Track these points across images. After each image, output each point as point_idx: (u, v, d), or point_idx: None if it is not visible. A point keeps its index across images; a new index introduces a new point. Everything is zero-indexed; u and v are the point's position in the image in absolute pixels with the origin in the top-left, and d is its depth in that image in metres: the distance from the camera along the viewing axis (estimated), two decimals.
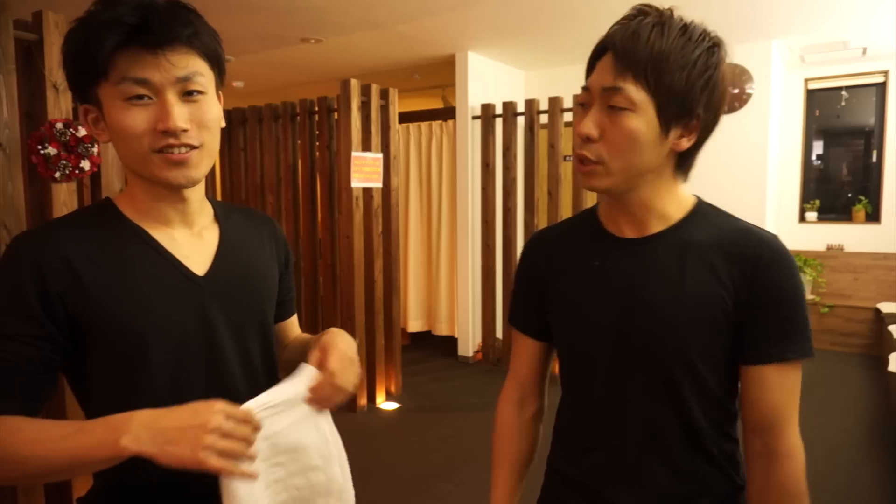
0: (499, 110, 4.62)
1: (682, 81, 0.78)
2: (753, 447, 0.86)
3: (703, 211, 0.90)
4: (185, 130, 0.78)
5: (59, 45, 2.21)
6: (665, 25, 0.79)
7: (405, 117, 5.07)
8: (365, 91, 3.77)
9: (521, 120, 4.63)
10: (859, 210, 5.08)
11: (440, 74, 5.16)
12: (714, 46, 0.80)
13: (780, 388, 0.83)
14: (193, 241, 0.88)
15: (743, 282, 0.82)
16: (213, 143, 0.83)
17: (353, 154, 3.62)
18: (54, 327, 0.77)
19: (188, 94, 0.79)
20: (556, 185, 4.33)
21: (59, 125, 2.19)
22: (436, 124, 5.13)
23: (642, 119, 0.79)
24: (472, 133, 4.74)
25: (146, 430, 0.70)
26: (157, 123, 0.77)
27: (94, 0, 0.77)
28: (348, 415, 3.68)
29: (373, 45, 4.41)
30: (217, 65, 0.84)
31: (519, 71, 5.34)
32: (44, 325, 0.77)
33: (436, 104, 5.67)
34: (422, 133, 5.22)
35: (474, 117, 4.73)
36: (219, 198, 4.76)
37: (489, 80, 4.91)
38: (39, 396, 0.79)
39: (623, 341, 0.87)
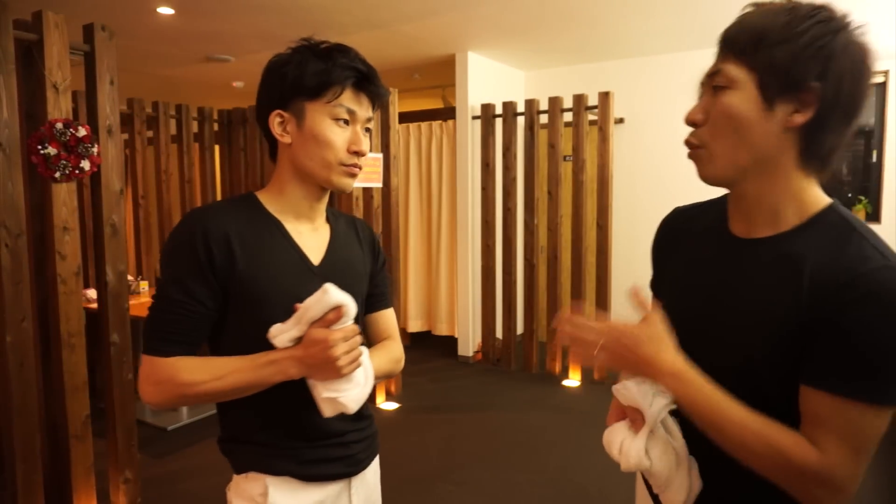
0: (499, 110, 4.62)
1: (785, 54, 0.77)
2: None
3: (830, 221, 0.80)
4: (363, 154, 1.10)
5: (59, 45, 2.23)
6: (768, 8, 0.81)
7: (405, 117, 5.07)
8: None
9: (521, 120, 4.63)
10: (859, 210, 5.08)
11: (440, 74, 5.16)
12: (830, 20, 0.78)
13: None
14: (313, 235, 1.13)
15: (820, 310, 0.74)
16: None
17: None
18: (219, 289, 1.00)
19: (367, 131, 1.11)
20: (556, 185, 4.33)
21: (59, 125, 2.19)
22: (436, 124, 5.13)
23: (740, 94, 0.80)
24: (472, 133, 4.74)
25: (301, 365, 0.97)
26: (351, 145, 1.07)
27: (326, 44, 1.06)
28: None
29: (373, 45, 4.41)
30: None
31: (519, 71, 5.34)
32: (212, 288, 0.99)
33: (436, 104, 5.67)
34: (422, 133, 5.22)
35: (474, 117, 4.73)
36: (218, 197, 4.76)
37: (489, 80, 4.91)
38: (199, 345, 1.02)
39: (695, 339, 0.85)
